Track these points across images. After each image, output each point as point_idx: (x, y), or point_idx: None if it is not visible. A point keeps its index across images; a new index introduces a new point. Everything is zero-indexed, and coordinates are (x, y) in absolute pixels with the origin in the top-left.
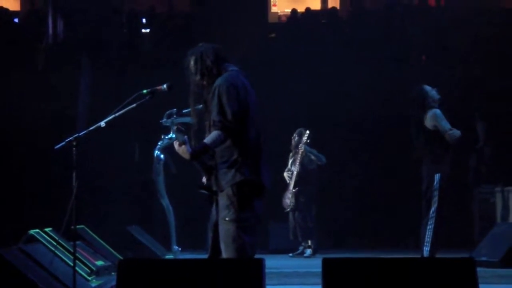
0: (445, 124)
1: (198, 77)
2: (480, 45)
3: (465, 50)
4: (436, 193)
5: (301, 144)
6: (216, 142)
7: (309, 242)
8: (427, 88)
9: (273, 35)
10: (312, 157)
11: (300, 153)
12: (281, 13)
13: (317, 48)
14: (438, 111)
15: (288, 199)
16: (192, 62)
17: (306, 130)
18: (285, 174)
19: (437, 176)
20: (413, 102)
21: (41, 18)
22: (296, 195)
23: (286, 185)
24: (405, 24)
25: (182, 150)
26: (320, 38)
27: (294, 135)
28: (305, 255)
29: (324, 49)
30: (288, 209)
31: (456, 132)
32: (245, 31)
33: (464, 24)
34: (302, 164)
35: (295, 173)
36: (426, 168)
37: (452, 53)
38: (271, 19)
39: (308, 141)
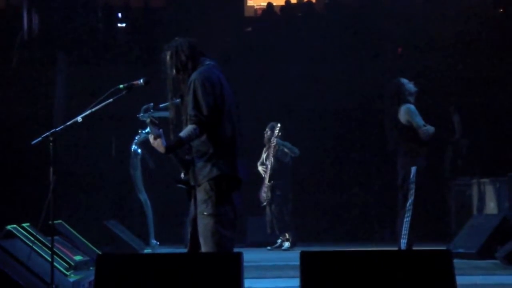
0: (419, 120)
1: (174, 72)
2: (455, 36)
3: (441, 42)
4: (412, 186)
5: (273, 138)
6: (191, 136)
7: (287, 235)
8: (404, 80)
9: (249, 29)
10: (286, 149)
11: (273, 146)
12: (257, 7)
13: (293, 41)
14: (412, 106)
15: (264, 193)
16: (168, 57)
17: (277, 124)
18: (260, 168)
19: (413, 169)
20: (389, 95)
21: (16, 14)
22: (272, 189)
23: (262, 179)
24: (381, 16)
25: (157, 144)
26: (296, 32)
27: (266, 129)
28: (283, 248)
29: (300, 42)
30: (265, 203)
31: (430, 129)
32: (221, 25)
33: (439, 15)
34: (276, 157)
35: (269, 167)
36: (401, 161)
37: (428, 45)
38: (247, 13)
39: (280, 134)
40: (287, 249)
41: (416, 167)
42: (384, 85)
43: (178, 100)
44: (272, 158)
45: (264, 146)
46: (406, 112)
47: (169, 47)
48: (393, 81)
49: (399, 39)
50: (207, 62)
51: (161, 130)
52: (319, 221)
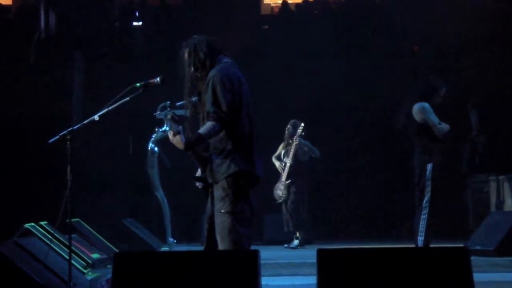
0: (434, 118)
1: (192, 70)
2: (472, 33)
3: (457, 39)
4: (428, 183)
5: (296, 137)
6: (211, 133)
7: (297, 233)
8: (444, 88)
9: (265, 26)
10: (306, 148)
11: (294, 145)
12: (274, 5)
13: (309, 39)
14: (426, 104)
15: (280, 191)
16: (186, 55)
17: (301, 123)
18: (277, 164)
19: (429, 166)
20: (423, 86)
21: (34, 12)
22: (288, 187)
23: (278, 177)
24: (397, 14)
25: (177, 140)
26: (312, 29)
27: (288, 126)
28: (291, 246)
29: (316, 40)
30: (280, 200)
31: (445, 127)
32: (238, 23)
33: (455, 12)
34: (295, 156)
35: (288, 164)
36: (417, 158)
37: (444, 43)
38: (263, 11)
39: (303, 133)
40: (295, 247)
41: (432, 164)
42: (399, 84)
43: (195, 98)
44: (292, 157)
45: (283, 141)
46: (421, 111)
47: (187, 45)
48: (437, 78)
49: (415, 37)
50: (225, 60)
51: (180, 127)
52: (336, 218)
